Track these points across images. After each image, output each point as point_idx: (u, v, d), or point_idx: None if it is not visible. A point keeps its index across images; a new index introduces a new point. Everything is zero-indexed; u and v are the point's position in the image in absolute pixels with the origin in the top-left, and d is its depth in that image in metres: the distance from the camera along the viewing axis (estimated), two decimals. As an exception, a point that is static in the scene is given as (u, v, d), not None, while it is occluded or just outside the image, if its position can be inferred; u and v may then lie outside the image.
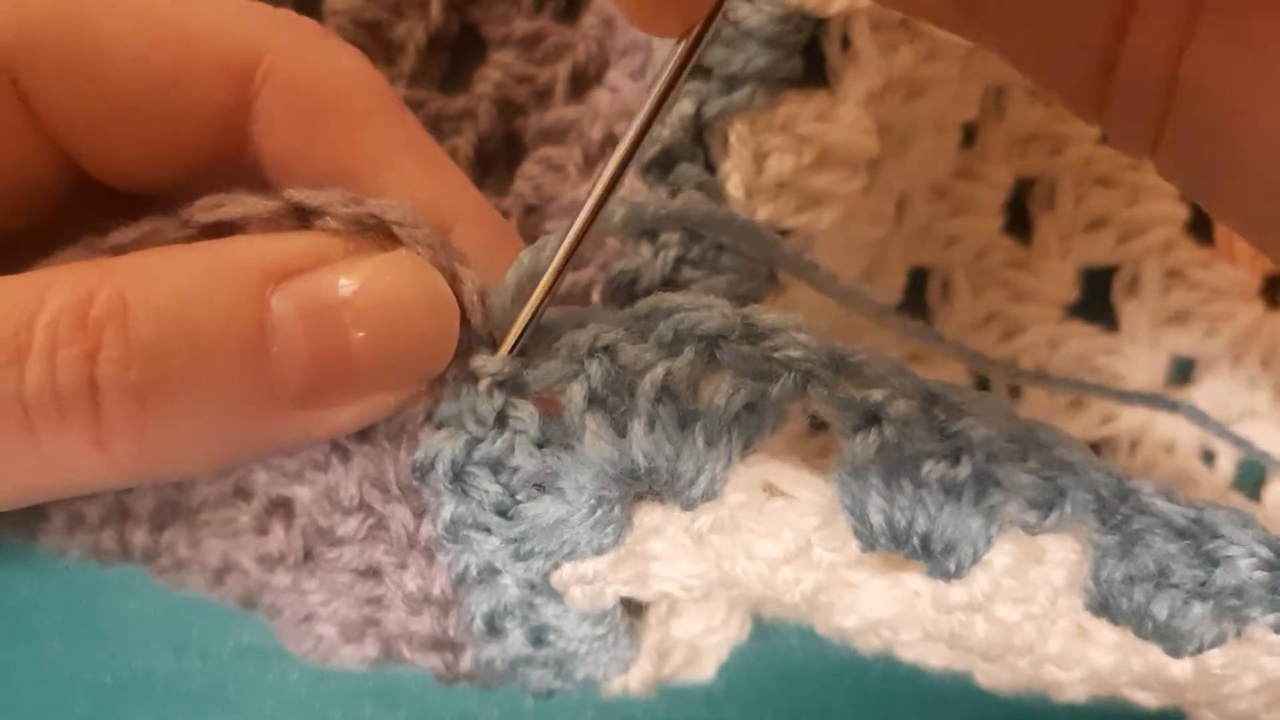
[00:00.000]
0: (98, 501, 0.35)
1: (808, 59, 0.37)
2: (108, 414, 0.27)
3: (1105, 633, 0.30)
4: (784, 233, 0.37)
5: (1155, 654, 0.29)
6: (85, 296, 0.27)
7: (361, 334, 0.28)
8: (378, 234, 0.30)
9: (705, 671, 0.38)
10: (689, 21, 0.29)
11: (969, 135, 0.49)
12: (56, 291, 0.27)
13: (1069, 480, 0.28)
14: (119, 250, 0.30)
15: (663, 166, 0.37)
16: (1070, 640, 0.30)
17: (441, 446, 0.30)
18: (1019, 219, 0.52)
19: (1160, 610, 0.28)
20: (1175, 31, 0.26)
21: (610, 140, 0.39)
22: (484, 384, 0.30)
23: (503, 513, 0.31)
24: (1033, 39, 0.28)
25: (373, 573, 0.34)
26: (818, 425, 0.30)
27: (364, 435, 0.32)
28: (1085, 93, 0.28)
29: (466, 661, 0.34)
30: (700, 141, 0.37)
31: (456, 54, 0.43)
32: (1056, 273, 0.52)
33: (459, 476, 0.30)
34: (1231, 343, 0.52)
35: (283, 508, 0.34)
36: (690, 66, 0.29)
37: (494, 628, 0.33)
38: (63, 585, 0.54)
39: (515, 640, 0.33)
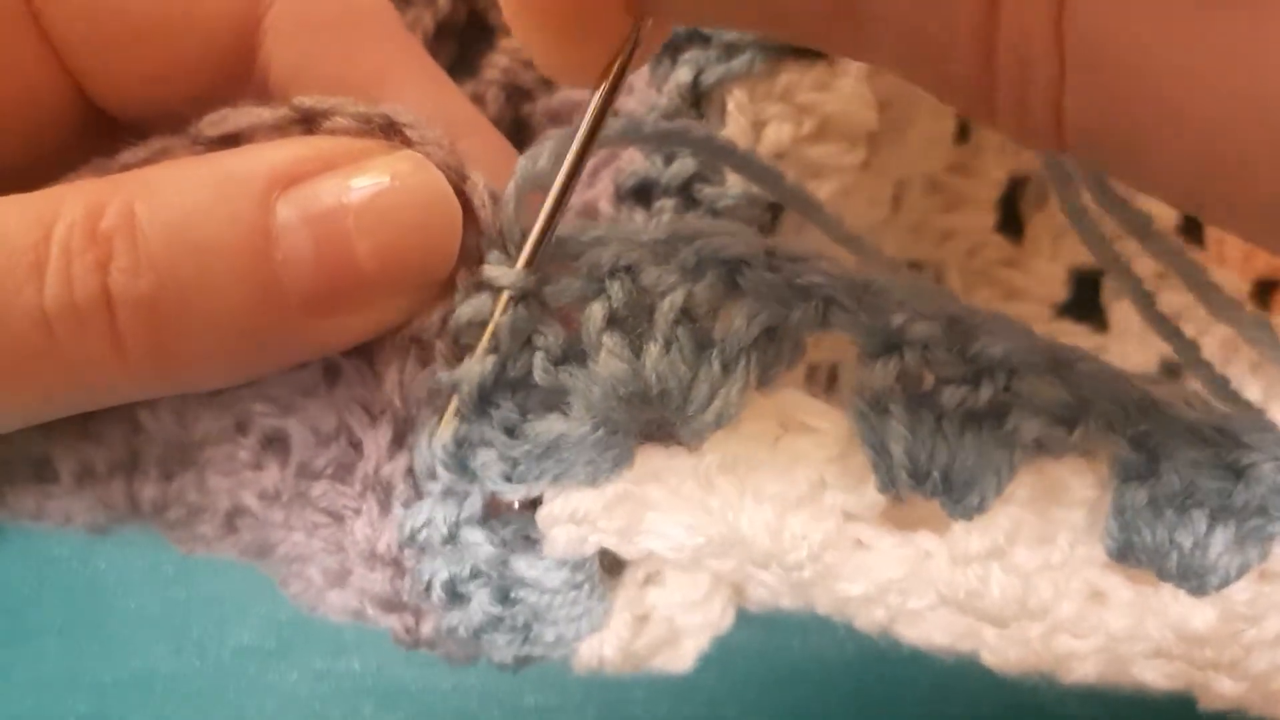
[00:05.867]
0: (106, 448, 0.34)
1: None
2: (122, 322, 0.27)
3: (1120, 592, 0.29)
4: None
5: (1175, 609, 0.28)
6: (96, 209, 0.27)
7: (365, 237, 0.28)
8: (384, 137, 0.30)
9: (683, 659, 0.36)
10: (600, 68, 0.28)
11: (963, 130, 0.49)
12: (70, 205, 0.27)
13: (1091, 392, 0.27)
14: (128, 168, 0.30)
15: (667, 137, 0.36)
16: (1084, 603, 0.29)
17: (470, 370, 0.30)
18: (1011, 217, 0.52)
19: (1185, 539, 0.27)
20: None
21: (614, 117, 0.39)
22: (503, 298, 0.29)
23: (509, 431, 0.30)
24: (906, 34, 0.24)
25: (337, 517, 0.33)
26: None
27: (363, 351, 0.31)
28: (972, 85, 0.24)
29: (428, 627, 0.33)
30: (698, 109, 0.36)
31: (464, 41, 0.43)
32: (1047, 272, 0.51)
33: (486, 398, 0.30)
34: (1221, 345, 0.52)
35: (279, 442, 0.33)
36: (610, 108, 0.29)
37: (455, 594, 0.32)
38: (63, 585, 0.53)
39: (480, 603, 0.32)
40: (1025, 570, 0.28)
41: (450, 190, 0.29)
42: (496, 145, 0.34)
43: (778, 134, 0.37)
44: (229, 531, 0.35)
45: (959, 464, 0.27)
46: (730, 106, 0.36)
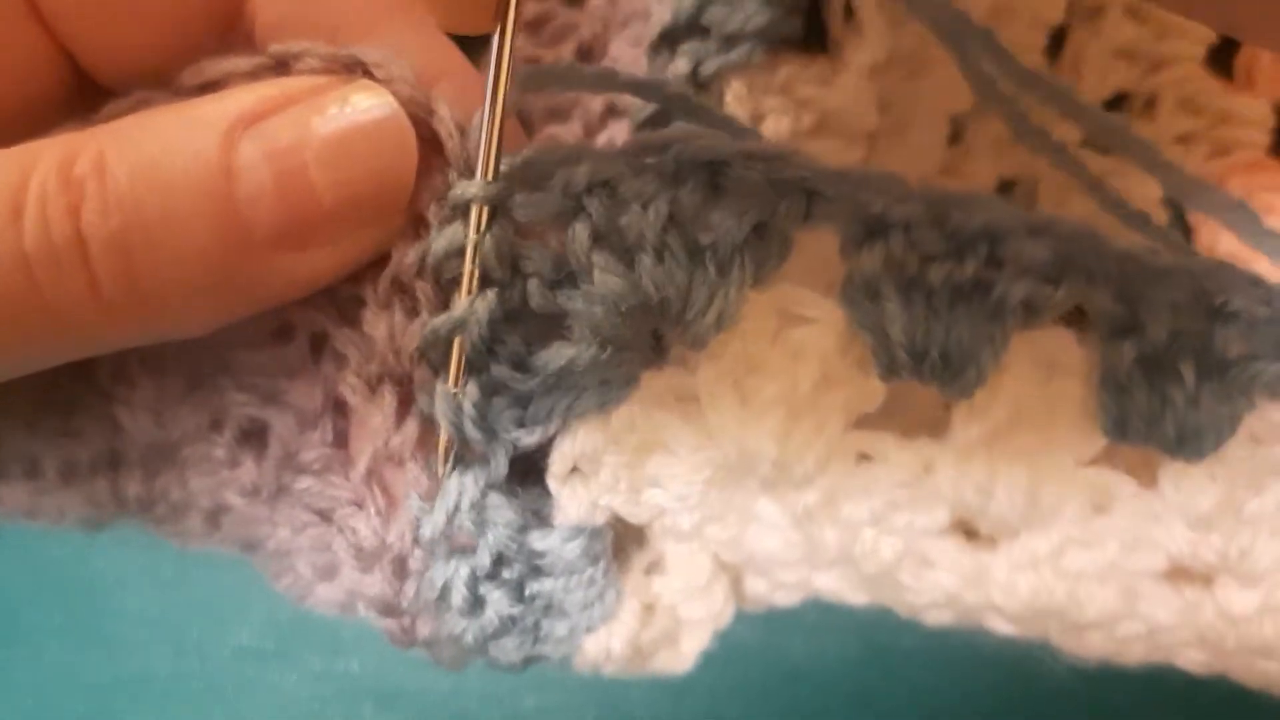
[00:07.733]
0: (88, 446, 0.34)
1: (811, 23, 0.37)
2: (96, 262, 0.28)
3: (1123, 487, 0.29)
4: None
5: (1177, 497, 0.28)
6: (70, 156, 0.28)
7: (323, 169, 0.29)
8: (353, 76, 0.30)
9: (684, 659, 0.36)
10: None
11: (956, 133, 0.49)
12: (47, 154, 0.28)
13: (1070, 250, 0.28)
14: (110, 120, 0.30)
15: (656, 123, 0.37)
16: (1088, 511, 0.29)
17: (476, 307, 0.29)
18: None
19: (1177, 394, 0.27)
20: None
21: (611, 112, 0.39)
22: (474, 214, 0.29)
23: (518, 365, 0.30)
24: None
25: (325, 516, 0.32)
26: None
27: (351, 318, 0.31)
28: None
29: (425, 629, 0.32)
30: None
31: (464, 38, 0.43)
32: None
33: (496, 335, 0.29)
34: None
35: (256, 435, 0.33)
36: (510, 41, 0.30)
37: (476, 596, 0.31)
38: (62, 585, 0.53)
39: (495, 606, 0.31)
40: (1028, 453, 0.29)
41: (405, 117, 0.30)
42: (479, 89, 0.34)
43: (776, 127, 0.36)
44: (214, 528, 0.35)
45: (954, 337, 0.28)
46: (729, 97, 0.36)
